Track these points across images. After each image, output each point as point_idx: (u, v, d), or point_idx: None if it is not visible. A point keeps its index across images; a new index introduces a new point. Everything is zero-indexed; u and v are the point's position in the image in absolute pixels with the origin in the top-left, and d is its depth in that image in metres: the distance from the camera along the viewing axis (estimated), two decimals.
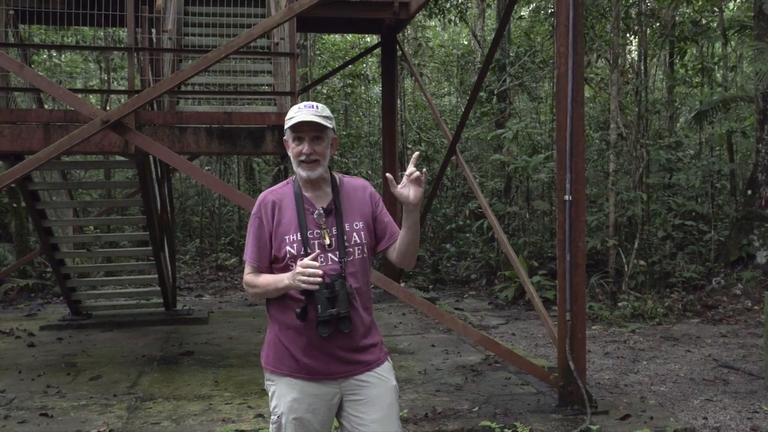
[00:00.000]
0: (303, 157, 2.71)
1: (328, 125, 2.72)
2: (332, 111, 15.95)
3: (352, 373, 2.73)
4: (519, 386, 6.16)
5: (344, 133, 18.38)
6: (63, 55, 18.95)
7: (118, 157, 8.64)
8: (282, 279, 2.64)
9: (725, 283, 11.00)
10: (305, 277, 2.54)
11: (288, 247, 2.70)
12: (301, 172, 2.73)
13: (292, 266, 2.66)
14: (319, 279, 2.54)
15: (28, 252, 11.77)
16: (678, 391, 6.21)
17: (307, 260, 2.57)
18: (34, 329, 8.75)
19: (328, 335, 2.62)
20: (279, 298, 2.73)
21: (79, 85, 19.74)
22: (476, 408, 5.50)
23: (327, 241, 2.71)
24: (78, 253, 9.18)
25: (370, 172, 18.73)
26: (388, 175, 2.69)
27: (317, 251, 2.64)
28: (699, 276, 11.16)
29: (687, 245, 12.54)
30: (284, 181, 2.85)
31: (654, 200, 12.31)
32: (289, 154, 2.77)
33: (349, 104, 18.99)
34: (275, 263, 2.75)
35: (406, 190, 2.64)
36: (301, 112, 2.69)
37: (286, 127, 2.75)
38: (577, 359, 5.40)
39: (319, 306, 2.59)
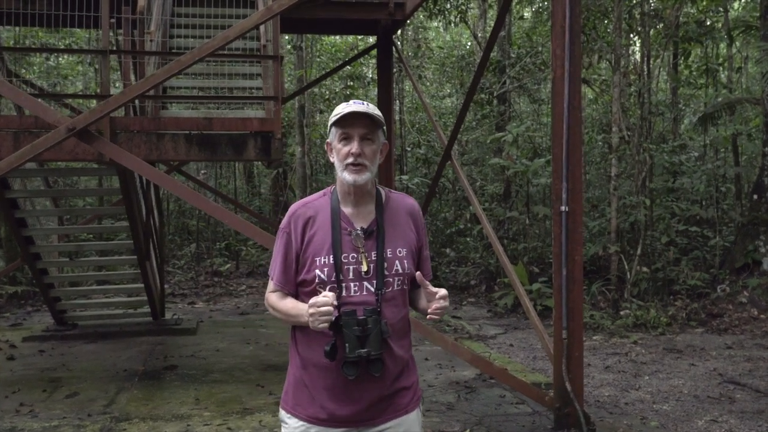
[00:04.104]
0: (351, 159, 2.32)
1: (380, 124, 2.37)
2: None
3: (377, 422, 2.39)
4: (514, 405, 5.88)
5: None
6: (60, 58, 18.72)
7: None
8: (303, 314, 2.26)
9: (730, 290, 10.67)
10: (315, 318, 2.18)
11: (318, 271, 2.32)
12: (347, 177, 2.33)
13: (320, 292, 2.28)
14: (331, 317, 2.19)
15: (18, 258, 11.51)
16: (681, 411, 5.90)
17: (320, 296, 2.20)
18: (16, 340, 8.49)
19: (355, 378, 2.27)
20: (306, 332, 2.35)
21: (79, 88, 19.51)
22: (467, 430, 5.22)
23: (364, 268, 2.33)
24: (60, 263, 8.90)
25: None
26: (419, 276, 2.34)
27: (331, 293, 2.26)
28: (703, 283, 10.83)
29: (691, 251, 12.20)
30: (320, 192, 2.46)
31: (657, 205, 11.99)
32: (332, 159, 2.39)
33: None
34: (302, 286, 2.38)
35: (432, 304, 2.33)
36: (349, 106, 2.33)
37: (330, 123, 2.39)
38: (574, 379, 5.11)
39: (347, 344, 2.24)
